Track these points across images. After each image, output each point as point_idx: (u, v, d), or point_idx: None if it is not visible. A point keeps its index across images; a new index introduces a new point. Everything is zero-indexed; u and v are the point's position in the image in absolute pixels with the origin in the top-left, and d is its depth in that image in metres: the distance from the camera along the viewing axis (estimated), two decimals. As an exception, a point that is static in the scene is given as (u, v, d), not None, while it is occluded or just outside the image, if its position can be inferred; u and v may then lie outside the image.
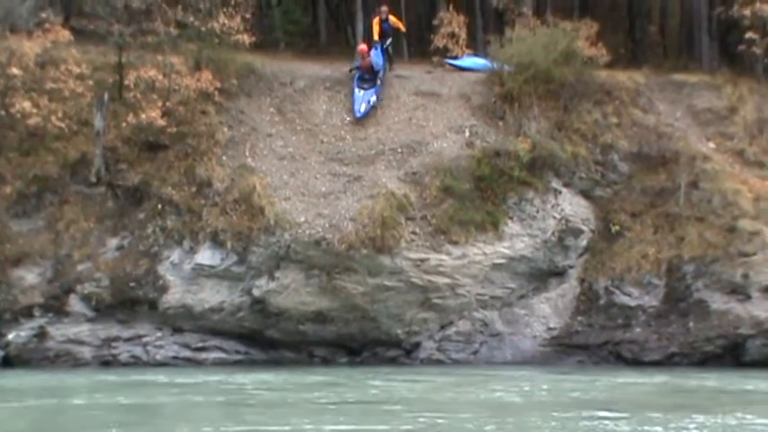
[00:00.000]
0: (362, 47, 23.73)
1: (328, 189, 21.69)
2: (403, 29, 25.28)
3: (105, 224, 21.38)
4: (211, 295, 21.24)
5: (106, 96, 21.62)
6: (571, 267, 22.30)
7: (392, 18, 24.74)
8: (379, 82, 23.16)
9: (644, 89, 23.82)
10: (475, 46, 25.81)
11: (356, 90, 23.03)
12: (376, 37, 24.20)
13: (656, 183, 22.56)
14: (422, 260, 21.31)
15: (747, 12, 23.99)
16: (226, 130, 22.24)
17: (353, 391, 17.15)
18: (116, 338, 21.13)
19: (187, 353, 21.40)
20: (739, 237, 21.61)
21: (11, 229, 21.04)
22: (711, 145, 23.20)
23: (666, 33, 30.08)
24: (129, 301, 21.05)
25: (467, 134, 22.66)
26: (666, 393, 17.38)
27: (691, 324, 21.47)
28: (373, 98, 22.89)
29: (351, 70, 23.54)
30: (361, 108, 22.79)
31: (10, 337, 20.56)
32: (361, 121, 22.84)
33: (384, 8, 24.73)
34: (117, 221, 21.44)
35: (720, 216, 21.90)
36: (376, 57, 23.49)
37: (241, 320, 21.44)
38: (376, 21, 24.38)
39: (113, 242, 21.31)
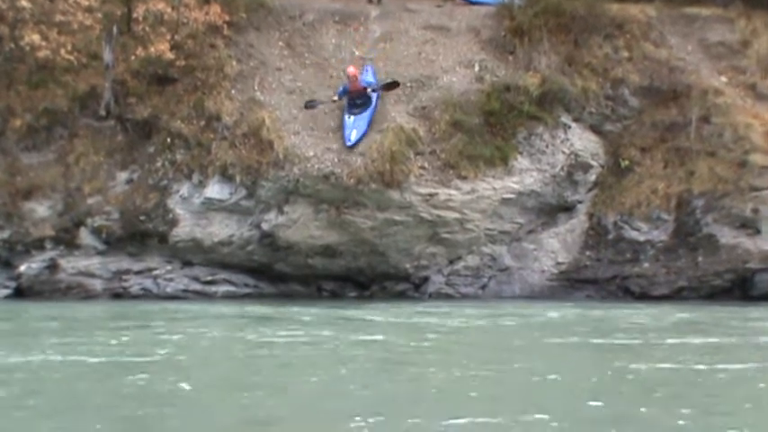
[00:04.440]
0: (352, 70, 21.37)
1: (337, 124, 21.52)
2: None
3: (115, 158, 21.41)
4: (221, 229, 21.31)
5: (115, 29, 21.52)
6: (580, 202, 22.29)
7: None
8: (373, 103, 21.20)
9: (656, 23, 23.55)
10: (486, -21, 25.48)
11: (346, 117, 21.11)
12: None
13: (666, 117, 22.38)
14: (431, 195, 21.30)
15: (762, -58, 23.70)
16: (234, 63, 22.11)
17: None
18: (127, 271, 21.27)
19: (197, 286, 21.55)
20: (750, 171, 21.51)
21: (21, 162, 21.12)
22: (723, 79, 22.98)
23: (679, -35, 29.59)
24: (139, 235, 21.16)
25: (476, 69, 22.50)
26: None
27: (700, 258, 21.48)
28: (364, 123, 21.04)
29: (335, 100, 21.36)
30: (352, 136, 20.89)
31: (22, 269, 20.74)
32: (370, 54, 22.68)
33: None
34: (126, 155, 21.47)
35: (731, 150, 21.76)
36: (366, 74, 21.62)
37: (250, 254, 21.54)
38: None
39: (123, 176, 21.38)
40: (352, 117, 21.06)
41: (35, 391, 9.80)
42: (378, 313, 18.20)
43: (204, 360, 12.52)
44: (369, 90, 21.14)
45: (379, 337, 14.49)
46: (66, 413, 8.63)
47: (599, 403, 9.26)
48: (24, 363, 11.53)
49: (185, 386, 10.21)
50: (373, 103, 21.17)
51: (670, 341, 14.65)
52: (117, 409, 8.98)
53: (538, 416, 8.57)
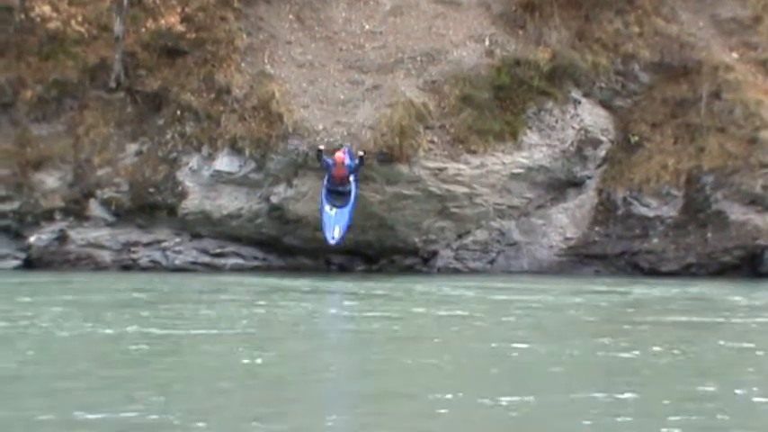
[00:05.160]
0: (340, 155, 19.94)
1: (347, 97, 21.54)
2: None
3: (125, 129, 21.46)
4: (229, 201, 21.35)
5: (125, 1, 21.47)
6: (589, 178, 22.26)
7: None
8: (353, 193, 20.07)
9: (667, -2, 23.44)
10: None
11: (326, 207, 19.96)
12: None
13: (677, 93, 22.27)
14: (440, 169, 21.30)
15: None
16: (245, 36, 22.00)
17: None
18: (135, 243, 21.38)
19: (206, 258, 21.61)
20: (760, 147, 21.43)
21: (31, 133, 21.16)
22: (734, 55, 22.83)
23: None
24: (148, 207, 21.25)
25: (487, 43, 22.36)
26: None
27: (709, 235, 21.50)
28: (345, 219, 19.90)
29: (318, 153, 20.08)
30: (335, 233, 19.86)
31: (32, 239, 20.88)
32: (380, 29, 22.56)
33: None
34: (136, 127, 21.50)
35: (742, 127, 21.67)
36: (350, 162, 20.11)
37: (259, 227, 21.57)
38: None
39: (133, 147, 21.44)
40: (334, 210, 19.93)
41: (120, 363, 9.71)
42: (455, 288, 17.97)
43: (295, 334, 12.28)
44: (363, 157, 19.93)
45: (462, 312, 14.19)
46: (153, 387, 8.46)
47: (700, 384, 8.98)
48: (115, 335, 11.42)
49: (271, 360, 10.04)
50: (353, 192, 20.17)
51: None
52: (203, 382, 8.79)
53: (636, 395, 8.42)
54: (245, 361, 9.82)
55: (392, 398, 8.28)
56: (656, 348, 11.01)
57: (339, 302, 15.49)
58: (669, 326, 13.50)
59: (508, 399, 8.05)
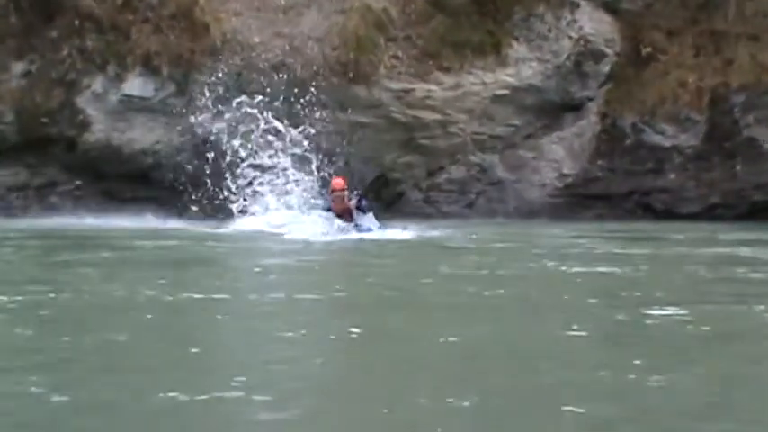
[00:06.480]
0: (338, 180, 16.39)
1: (289, 2, 20.07)
2: None
3: (8, 45, 20.07)
4: (143, 134, 20.00)
5: None
6: (590, 100, 20.48)
7: None
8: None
9: None
10: None
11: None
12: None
13: (699, -8, 20.95)
14: (405, 91, 19.97)
15: None
16: (157, -76, 20.81)
17: None
18: (24, 187, 19.95)
19: (114, 204, 19.78)
20: (801, 59, 20.10)
21: None
22: (770, -56, 21.36)
23: None
24: (40, 141, 19.90)
25: (461, -68, 21.17)
26: None
27: (738, 168, 19.74)
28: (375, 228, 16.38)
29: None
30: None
31: None
32: None
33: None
34: (22, 41, 20.04)
35: (778, 34, 20.29)
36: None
37: (181, 165, 19.74)
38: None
39: (19, 67, 20.12)
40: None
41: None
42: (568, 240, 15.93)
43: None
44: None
45: (605, 269, 12.41)
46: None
47: None
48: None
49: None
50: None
51: None
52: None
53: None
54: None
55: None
56: None
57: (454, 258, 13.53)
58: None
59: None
